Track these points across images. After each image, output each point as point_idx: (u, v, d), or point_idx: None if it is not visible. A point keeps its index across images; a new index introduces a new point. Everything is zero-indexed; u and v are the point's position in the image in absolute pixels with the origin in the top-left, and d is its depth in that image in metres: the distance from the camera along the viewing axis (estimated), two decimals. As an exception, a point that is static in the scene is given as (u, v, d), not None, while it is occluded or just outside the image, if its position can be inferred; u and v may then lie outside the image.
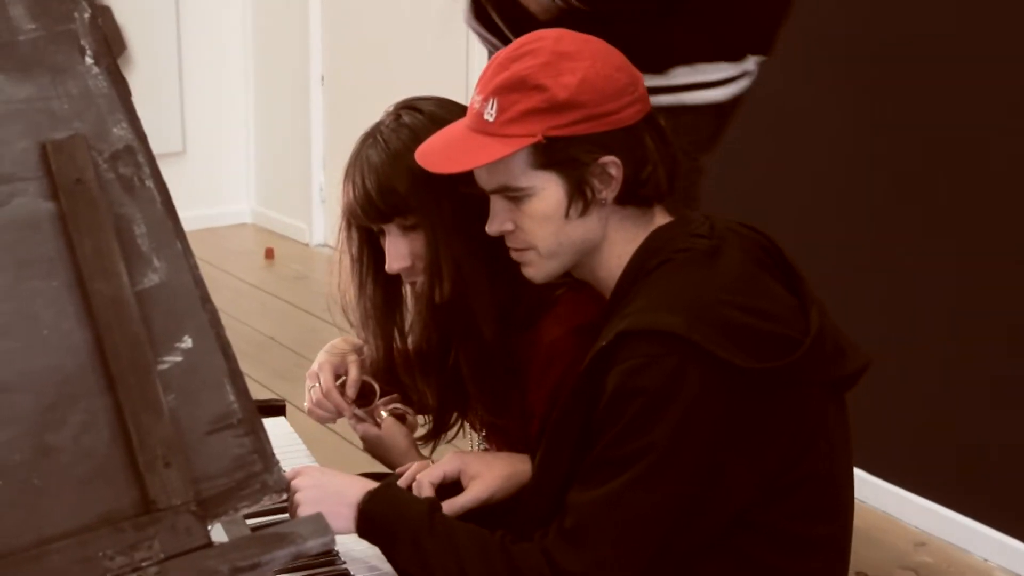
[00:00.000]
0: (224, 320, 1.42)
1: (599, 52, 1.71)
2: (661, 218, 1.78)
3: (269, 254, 6.10)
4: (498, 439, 2.06)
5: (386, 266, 1.94)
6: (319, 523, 1.33)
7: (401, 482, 1.86)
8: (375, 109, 2.04)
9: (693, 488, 1.60)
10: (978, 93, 3.27)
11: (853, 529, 1.82)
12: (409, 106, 1.97)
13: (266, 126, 6.46)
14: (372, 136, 1.97)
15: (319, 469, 1.83)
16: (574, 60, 1.68)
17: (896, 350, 3.63)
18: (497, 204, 1.76)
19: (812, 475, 1.70)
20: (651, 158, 1.72)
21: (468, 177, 1.77)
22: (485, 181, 1.75)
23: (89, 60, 1.48)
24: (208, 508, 1.32)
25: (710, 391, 1.58)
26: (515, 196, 1.73)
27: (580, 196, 1.71)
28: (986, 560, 3.41)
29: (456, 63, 5.03)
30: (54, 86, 1.46)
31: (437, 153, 1.76)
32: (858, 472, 3.64)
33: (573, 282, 1.88)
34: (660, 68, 2.34)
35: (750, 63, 2.48)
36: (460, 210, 1.84)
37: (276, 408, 2.34)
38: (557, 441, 1.69)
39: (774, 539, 1.69)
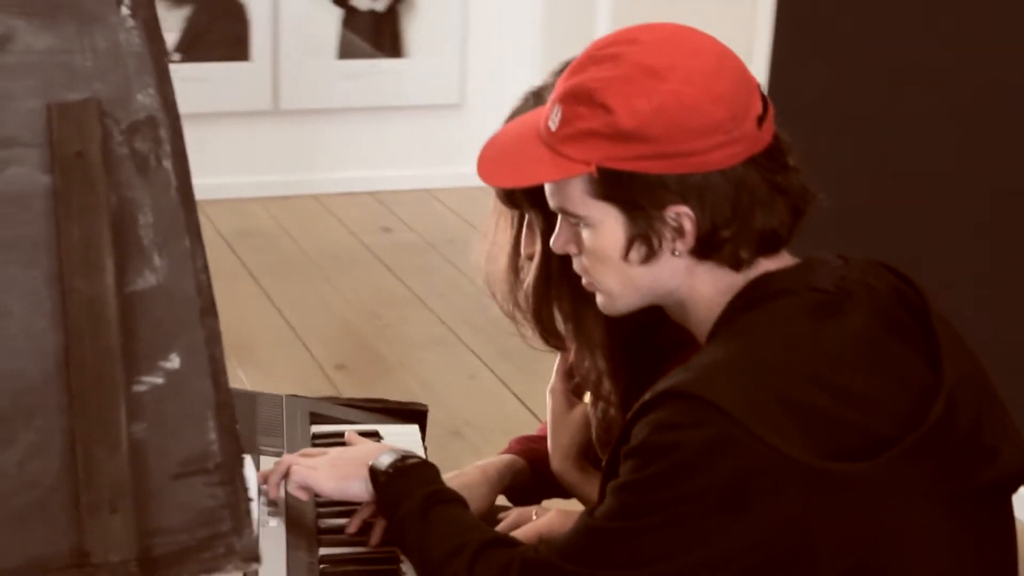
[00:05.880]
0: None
1: (698, 73, 1.38)
2: (774, 262, 1.45)
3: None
4: None
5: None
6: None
7: (498, 528, 1.69)
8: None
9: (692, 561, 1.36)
10: None
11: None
12: None
13: (549, 83, 6.25)
14: (532, 99, 1.72)
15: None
16: (659, 79, 1.36)
17: None
18: (562, 222, 1.48)
19: None
20: (740, 214, 1.39)
21: None
22: (547, 193, 1.47)
23: (125, 10, 1.25)
24: (155, 570, 1.09)
25: (746, 477, 1.31)
26: (573, 222, 1.44)
27: (643, 243, 1.41)
28: None
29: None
30: (79, 38, 1.24)
31: (493, 157, 1.49)
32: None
33: None
34: None
35: None
36: None
37: (416, 413, 2.10)
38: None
39: None
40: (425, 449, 2.00)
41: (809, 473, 1.29)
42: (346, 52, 5.34)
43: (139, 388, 1.14)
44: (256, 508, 1.54)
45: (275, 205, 5.11)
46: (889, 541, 1.35)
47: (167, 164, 1.22)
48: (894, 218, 3.60)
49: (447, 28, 5.73)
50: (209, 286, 1.19)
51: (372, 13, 5.34)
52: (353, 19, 5.31)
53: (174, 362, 1.16)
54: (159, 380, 1.15)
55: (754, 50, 4.23)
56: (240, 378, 3.62)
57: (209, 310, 1.18)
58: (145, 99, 1.23)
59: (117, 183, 1.20)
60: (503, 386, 3.69)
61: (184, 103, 4.83)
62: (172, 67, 4.96)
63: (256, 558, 1.11)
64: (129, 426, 1.12)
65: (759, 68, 4.18)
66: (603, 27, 5.82)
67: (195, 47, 5.07)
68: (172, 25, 5.02)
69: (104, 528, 1.08)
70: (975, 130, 3.33)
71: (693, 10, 4.58)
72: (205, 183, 5.22)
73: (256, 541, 1.11)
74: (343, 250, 4.76)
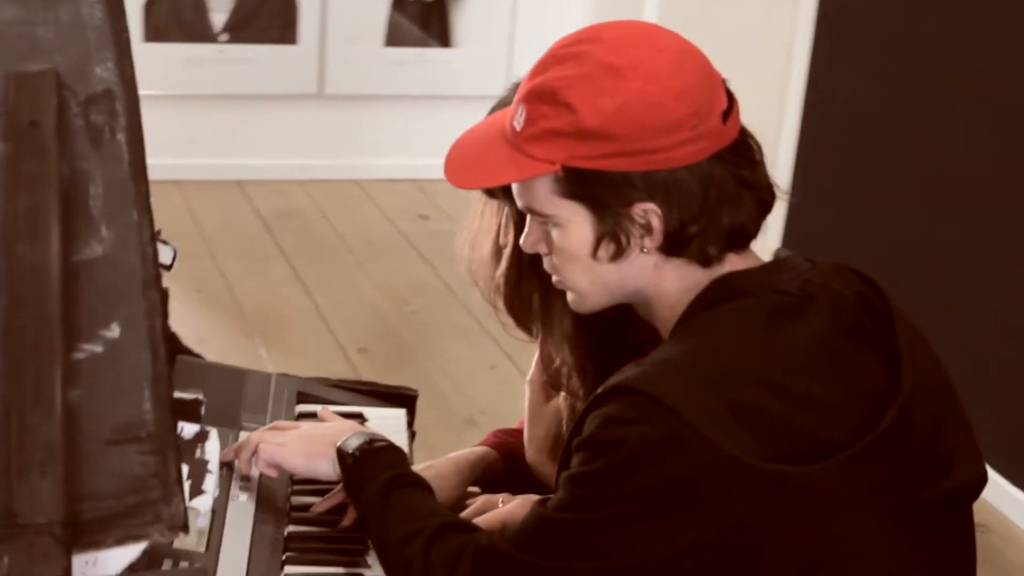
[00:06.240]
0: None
1: (661, 71, 1.37)
2: (742, 261, 1.44)
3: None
4: None
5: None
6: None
7: (464, 514, 1.68)
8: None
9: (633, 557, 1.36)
10: None
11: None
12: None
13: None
14: (514, 91, 1.72)
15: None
16: (621, 78, 1.36)
17: None
18: (532, 222, 1.48)
19: None
20: (707, 210, 1.39)
21: None
22: (515, 193, 1.47)
23: (89, -15, 1.28)
24: (82, 533, 1.11)
25: (691, 477, 1.30)
26: (541, 222, 1.45)
27: (612, 240, 1.40)
28: None
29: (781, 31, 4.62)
30: (44, 10, 1.27)
31: (459, 158, 1.48)
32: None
33: None
34: None
35: None
36: None
37: (405, 398, 2.10)
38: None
39: None
40: (413, 434, 2.00)
41: (755, 475, 1.28)
42: (393, 39, 5.36)
43: (78, 355, 1.16)
44: (214, 480, 1.56)
45: (315, 188, 5.14)
46: (836, 546, 1.34)
47: (121, 137, 1.24)
48: (927, 222, 3.57)
49: (496, 19, 5.73)
50: (154, 259, 1.21)
51: (421, 2, 5.36)
52: (402, 6, 5.33)
53: (114, 331, 1.18)
54: (98, 348, 1.17)
55: (794, 52, 4.21)
56: (262, 357, 3.65)
57: (152, 282, 1.20)
58: (103, 73, 1.25)
59: (71, 154, 1.22)
60: (522, 377, 3.68)
61: (230, 84, 4.91)
62: (220, 47, 5.05)
63: (183, 527, 1.13)
64: (66, 392, 1.14)
65: (799, 70, 4.15)
66: (651, 20, 5.79)
67: (243, 29, 5.11)
68: (221, 6, 5.06)
69: (33, 491, 1.10)
70: (1013, 136, 3.30)
71: (735, 15, 4.57)
72: (246, 163, 5.29)
73: (184, 511, 1.13)
74: (379, 236, 4.78)
